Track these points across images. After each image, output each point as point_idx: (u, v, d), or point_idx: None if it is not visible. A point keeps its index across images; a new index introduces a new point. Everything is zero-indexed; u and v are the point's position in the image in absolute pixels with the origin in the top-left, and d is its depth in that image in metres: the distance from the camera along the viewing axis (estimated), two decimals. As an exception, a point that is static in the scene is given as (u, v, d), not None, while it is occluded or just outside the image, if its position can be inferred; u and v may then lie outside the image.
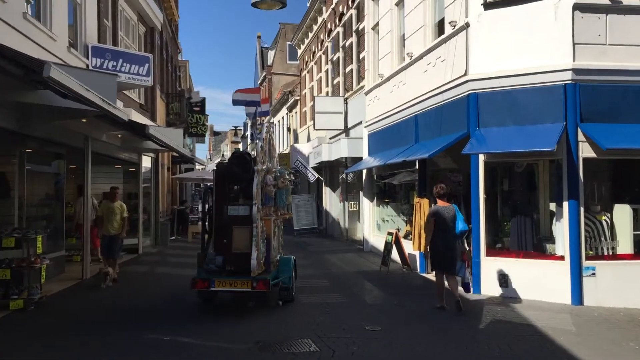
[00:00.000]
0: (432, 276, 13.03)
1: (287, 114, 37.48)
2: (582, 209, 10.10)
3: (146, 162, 20.07)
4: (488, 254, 10.87)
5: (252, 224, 9.32)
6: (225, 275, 9.44)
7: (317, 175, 24.68)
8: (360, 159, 18.47)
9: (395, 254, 14.01)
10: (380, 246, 16.52)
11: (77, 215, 14.72)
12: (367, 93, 18.15)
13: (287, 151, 37.07)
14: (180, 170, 31.30)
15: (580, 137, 10.05)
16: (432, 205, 10.18)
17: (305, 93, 30.52)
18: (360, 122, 19.04)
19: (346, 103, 20.96)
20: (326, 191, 24.92)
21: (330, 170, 24.63)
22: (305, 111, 30.56)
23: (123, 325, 8.83)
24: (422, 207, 12.87)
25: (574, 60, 10.05)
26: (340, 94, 21.93)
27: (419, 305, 10.25)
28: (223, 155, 75.68)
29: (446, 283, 9.64)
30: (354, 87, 20.29)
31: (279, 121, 42.27)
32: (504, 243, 11.38)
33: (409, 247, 13.81)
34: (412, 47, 14.12)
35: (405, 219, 15.73)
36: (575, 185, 10.07)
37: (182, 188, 38.33)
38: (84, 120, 11.69)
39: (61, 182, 13.86)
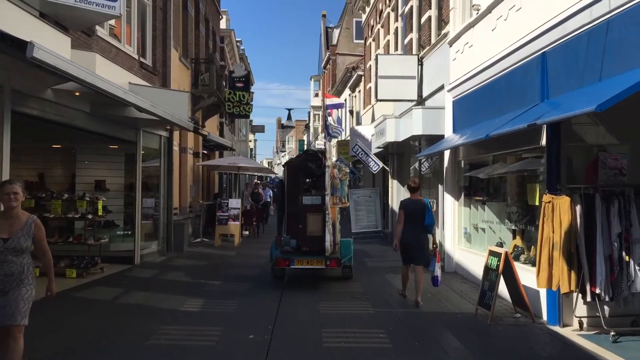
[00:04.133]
0: (574, 336, 7.33)
1: (349, 95, 32.04)
2: None
3: (153, 142, 15.17)
4: None
5: (324, 211, 10.65)
6: (301, 255, 10.96)
7: (381, 164, 19.15)
8: (441, 137, 12.83)
9: (502, 287, 8.40)
10: (471, 267, 10.92)
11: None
12: (452, 43, 12.51)
13: (349, 137, 31.79)
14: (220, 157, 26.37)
15: None
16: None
17: (371, 65, 24.96)
18: (441, 88, 13.40)
19: (421, 64, 15.33)
20: (393, 184, 19.35)
21: (399, 158, 19.03)
22: (370, 87, 25.02)
23: None
24: (558, 210, 7.19)
25: None
26: (414, 53, 16.33)
27: None
28: (284, 147, 71.36)
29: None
30: (432, 39, 14.63)
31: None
32: None
33: (527, 276, 8.18)
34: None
35: (512, 227, 10.04)
36: None
37: (232, 180, 33.59)
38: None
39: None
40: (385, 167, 19.50)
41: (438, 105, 13.41)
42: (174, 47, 16.66)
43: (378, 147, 17.21)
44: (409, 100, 15.57)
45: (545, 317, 7.96)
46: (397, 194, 18.85)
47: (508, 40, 9.31)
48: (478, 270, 10.67)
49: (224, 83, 23.94)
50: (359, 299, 9.94)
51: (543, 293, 7.95)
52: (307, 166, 11.40)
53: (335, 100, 22.35)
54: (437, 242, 9.65)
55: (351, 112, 31.58)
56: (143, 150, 14.15)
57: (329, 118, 16.28)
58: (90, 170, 14.73)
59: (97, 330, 7.60)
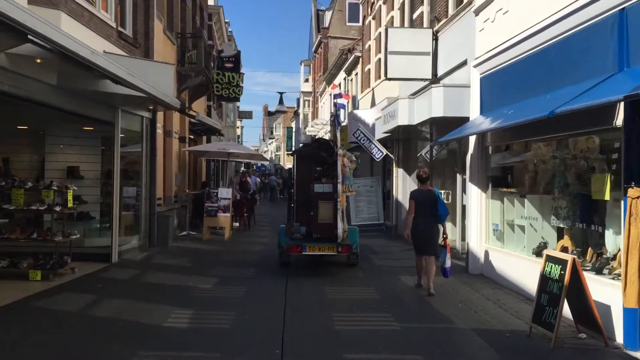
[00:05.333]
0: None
1: (345, 78, 30.34)
2: None
3: (133, 123, 13.42)
4: None
5: (336, 199, 10.79)
6: (313, 241, 10.86)
7: (385, 152, 17.55)
8: (464, 120, 11.22)
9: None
10: (505, 270, 9.44)
11: None
12: (478, 11, 10.87)
13: (344, 123, 30.16)
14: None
15: None
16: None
17: (370, 46, 23.30)
18: (463, 64, 11.81)
19: (436, 39, 13.70)
20: (398, 173, 17.76)
21: (405, 144, 17.45)
22: (369, 69, 23.37)
23: None
24: (650, 208, 5.59)
25: None
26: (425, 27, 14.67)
27: None
28: (272, 134, 69.51)
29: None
30: (450, 10, 13.00)
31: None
32: None
33: (598, 287, 6.59)
34: None
35: (561, 224, 8.46)
36: None
37: (220, 167, 31.77)
38: None
39: None
40: (390, 155, 17.89)
41: (458, 83, 11.79)
42: (158, 18, 14.85)
43: (385, 132, 15.57)
44: (421, 79, 13.96)
45: (620, 339, 6.40)
46: (403, 183, 17.28)
47: (560, 1, 7.70)
48: (514, 274, 9.17)
49: (212, 63, 22.11)
50: (377, 309, 8.34)
51: (616, 309, 6.40)
52: (319, 154, 11.74)
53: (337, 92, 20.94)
54: (447, 233, 9.65)
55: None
56: (122, 132, 12.41)
57: (341, 109, 15.43)
58: (61, 155, 13.01)
59: (54, 358, 5.93)
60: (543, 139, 8.77)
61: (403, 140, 17.27)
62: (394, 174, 17.95)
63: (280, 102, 34.60)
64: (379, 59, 21.45)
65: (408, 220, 9.45)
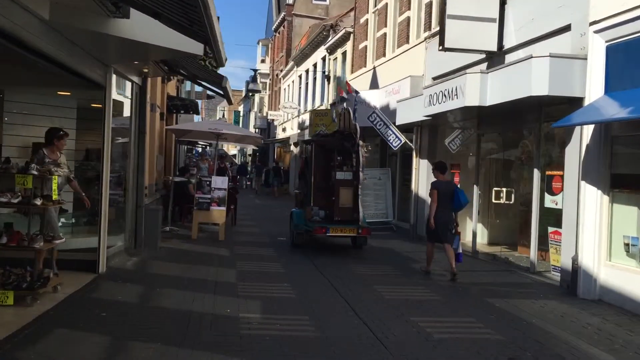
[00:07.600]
0: None
1: (325, 57, 27.59)
2: None
3: (120, 91, 10.34)
4: None
5: (358, 185, 11.96)
6: (335, 224, 11.78)
7: (403, 139, 15.06)
8: (572, 103, 8.83)
9: None
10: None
11: None
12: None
13: (322, 107, 27.51)
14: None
15: None
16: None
17: (368, 20, 20.67)
18: (561, 30, 9.40)
19: (503, 3, 11.23)
20: (420, 165, 15.28)
21: (431, 131, 14.99)
22: (366, 47, 20.77)
23: None
24: None
25: None
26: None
27: None
28: (223, 116, 65.89)
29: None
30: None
31: (306, 70, 32.36)
32: None
33: None
34: None
35: None
36: None
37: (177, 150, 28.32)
38: None
39: None
40: (409, 143, 15.39)
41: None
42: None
43: (427, 116, 12.94)
44: (482, 52, 11.50)
45: None
46: (427, 177, 14.79)
47: None
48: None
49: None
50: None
51: None
52: (343, 145, 12.42)
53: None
54: (457, 222, 10.12)
55: (327, 77, 27.15)
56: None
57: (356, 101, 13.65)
58: (24, 127, 9.78)
59: None
60: None
61: (429, 126, 14.80)
62: (414, 166, 15.46)
63: (254, 80, 31.50)
64: (384, 34, 18.91)
65: (432, 208, 9.81)
